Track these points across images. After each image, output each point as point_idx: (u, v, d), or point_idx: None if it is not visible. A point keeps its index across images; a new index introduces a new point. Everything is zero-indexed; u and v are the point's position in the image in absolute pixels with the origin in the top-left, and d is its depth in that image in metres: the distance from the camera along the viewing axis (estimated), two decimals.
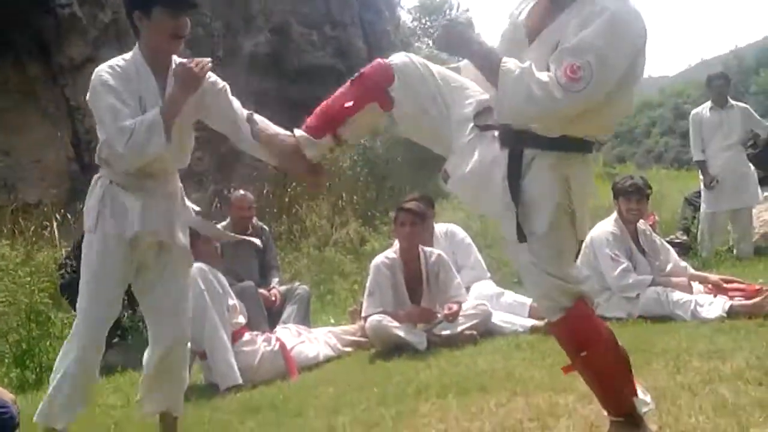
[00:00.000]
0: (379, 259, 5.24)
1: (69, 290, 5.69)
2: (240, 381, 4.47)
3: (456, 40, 2.55)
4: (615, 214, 5.54)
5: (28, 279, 5.54)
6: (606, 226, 5.49)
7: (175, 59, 3.07)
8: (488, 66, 2.47)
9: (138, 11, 2.95)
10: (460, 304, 5.05)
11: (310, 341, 5.03)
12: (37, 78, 13.54)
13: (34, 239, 8.01)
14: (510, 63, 2.41)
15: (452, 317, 4.94)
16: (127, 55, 3.01)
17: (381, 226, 8.85)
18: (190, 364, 4.80)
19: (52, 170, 13.36)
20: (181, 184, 3.22)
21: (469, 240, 5.92)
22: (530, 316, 5.22)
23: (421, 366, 4.40)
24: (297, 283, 6.05)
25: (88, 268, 3.07)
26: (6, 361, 5.38)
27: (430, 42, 21.47)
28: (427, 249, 5.23)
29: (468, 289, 5.45)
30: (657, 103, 57.18)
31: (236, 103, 3.14)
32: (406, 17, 23.27)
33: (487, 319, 5.10)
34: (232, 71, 17.57)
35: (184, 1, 2.98)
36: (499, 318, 5.18)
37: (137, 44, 3.02)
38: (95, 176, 3.08)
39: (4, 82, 13.15)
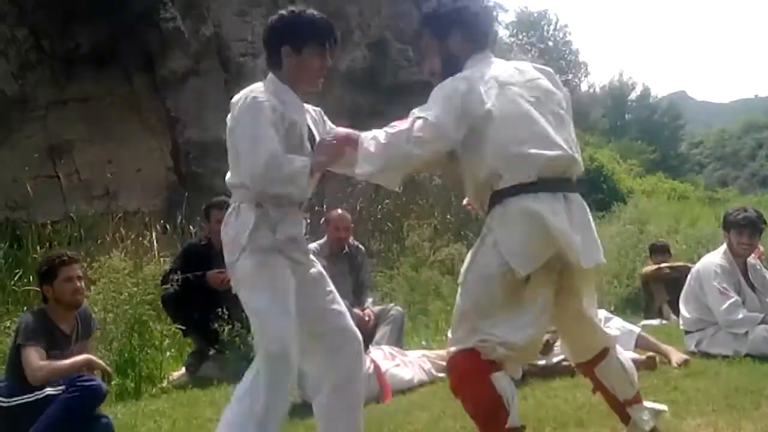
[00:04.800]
0: None
1: (170, 303, 5.86)
2: None
3: (345, 140, 2.95)
4: (724, 246, 5.31)
5: (135, 290, 5.71)
6: (714, 258, 5.28)
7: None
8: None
9: (288, 46, 3.00)
10: (555, 332, 4.93)
11: (405, 365, 5.00)
12: (141, 90, 14.03)
13: (134, 248, 8.26)
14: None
15: (544, 349, 4.84)
16: (262, 86, 3.00)
17: None
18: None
19: (152, 180, 13.79)
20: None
21: None
22: (637, 345, 5.07)
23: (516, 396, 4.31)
24: (391, 304, 6.05)
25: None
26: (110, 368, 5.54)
27: (526, 57, 21.25)
28: None
29: None
30: (764, 124, 54.36)
31: None
32: (502, 33, 23.18)
33: None
34: (328, 87, 17.75)
35: (333, 39, 3.10)
36: None
37: (273, 76, 3.05)
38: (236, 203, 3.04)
39: (110, 94, 13.67)
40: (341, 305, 3.22)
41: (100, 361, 4.22)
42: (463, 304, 2.79)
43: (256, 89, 2.96)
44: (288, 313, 2.90)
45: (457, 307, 2.81)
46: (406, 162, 2.79)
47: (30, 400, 3.91)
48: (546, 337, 4.83)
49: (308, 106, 3.19)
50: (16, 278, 7.70)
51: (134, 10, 13.29)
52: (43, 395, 3.88)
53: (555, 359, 4.86)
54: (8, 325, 6.36)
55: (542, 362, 4.86)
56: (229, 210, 3.01)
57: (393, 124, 2.81)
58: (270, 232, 2.92)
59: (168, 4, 13.99)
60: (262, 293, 2.90)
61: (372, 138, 2.81)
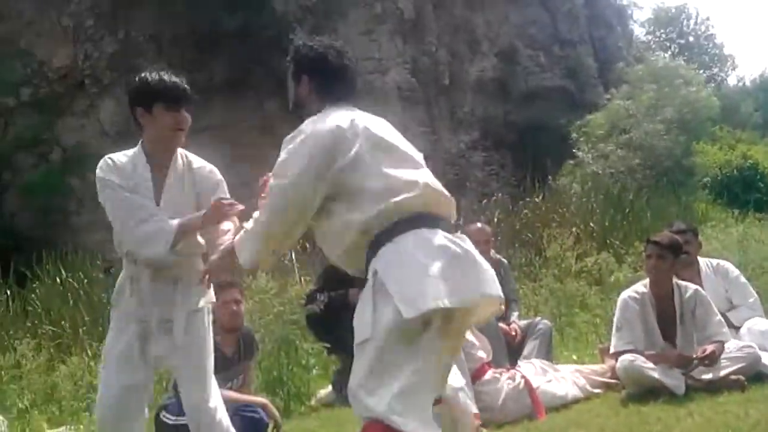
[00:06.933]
0: (627, 293, 4.92)
1: (315, 322, 5.89)
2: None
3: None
4: None
5: (281, 309, 5.81)
6: None
7: (185, 155, 3.34)
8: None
9: (140, 108, 3.15)
10: (722, 343, 4.60)
11: (557, 380, 4.80)
12: (274, 114, 14.47)
13: (277, 269, 8.40)
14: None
15: (708, 360, 4.50)
16: (130, 151, 3.25)
17: (626, 256, 8.40)
18: None
19: None
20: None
21: (743, 278, 5.40)
22: None
23: (681, 413, 4.06)
24: (538, 318, 5.83)
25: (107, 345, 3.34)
26: (258, 386, 5.63)
27: (665, 55, 20.35)
28: (683, 283, 4.83)
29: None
30: None
31: None
32: (638, 31, 22.42)
33: (755, 362, 4.60)
34: (457, 98, 17.79)
35: (182, 97, 3.21)
36: None
37: (141, 140, 3.26)
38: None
39: (245, 119, 14.17)
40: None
41: (276, 412, 4.40)
42: None
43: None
44: None
45: None
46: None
47: None
48: (711, 348, 4.51)
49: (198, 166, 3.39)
50: None
51: (264, 38, 13.73)
52: None
53: (722, 372, 4.51)
54: None
55: (708, 376, 4.53)
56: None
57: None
58: None
59: (296, 28, 14.38)
60: None
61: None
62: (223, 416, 3.34)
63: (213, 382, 3.34)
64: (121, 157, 3.22)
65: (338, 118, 2.60)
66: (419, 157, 2.68)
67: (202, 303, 3.33)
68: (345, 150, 2.52)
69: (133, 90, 3.23)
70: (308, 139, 2.59)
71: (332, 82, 2.77)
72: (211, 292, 3.43)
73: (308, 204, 2.55)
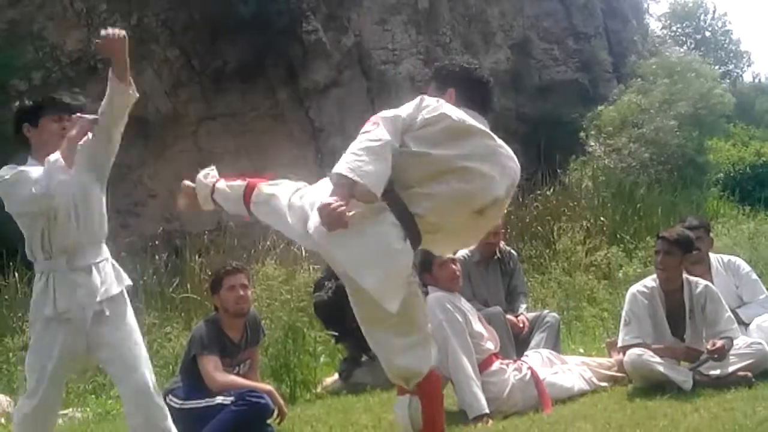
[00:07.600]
0: (636, 287, 4.91)
1: (323, 310, 5.89)
2: (486, 411, 4.32)
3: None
4: None
5: (288, 297, 5.81)
6: None
7: None
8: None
9: (27, 124, 3.35)
10: (730, 339, 4.58)
11: (564, 372, 4.78)
12: (285, 102, 14.43)
13: (285, 256, 8.42)
14: None
15: (718, 354, 4.48)
16: (23, 165, 3.35)
17: (636, 251, 8.37)
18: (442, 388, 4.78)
19: None
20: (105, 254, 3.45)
21: (755, 274, 5.36)
22: None
23: (687, 408, 4.05)
24: (546, 311, 5.82)
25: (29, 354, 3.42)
26: (265, 373, 5.65)
27: (681, 50, 20.18)
28: (693, 279, 4.81)
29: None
30: None
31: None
32: (654, 25, 22.28)
33: (763, 358, 4.59)
34: None
35: (65, 107, 3.37)
36: None
37: (29, 156, 3.38)
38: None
39: (257, 107, 14.16)
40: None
41: (280, 399, 4.45)
42: None
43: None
44: None
45: None
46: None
47: (201, 405, 4.20)
48: (720, 342, 4.49)
49: None
50: (174, 286, 8.04)
51: (277, 26, 13.67)
52: (214, 403, 4.17)
53: (730, 368, 4.49)
54: (168, 330, 6.64)
55: (716, 372, 4.52)
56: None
57: None
58: None
59: (310, 17, 14.32)
60: None
61: None
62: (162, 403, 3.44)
63: (149, 368, 3.40)
64: (24, 168, 3.33)
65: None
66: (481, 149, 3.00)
67: (119, 287, 3.43)
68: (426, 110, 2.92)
69: (17, 114, 3.40)
70: (421, 101, 2.97)
71: (471, 95, 3.11)
72: (125, 276, 3.52)
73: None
